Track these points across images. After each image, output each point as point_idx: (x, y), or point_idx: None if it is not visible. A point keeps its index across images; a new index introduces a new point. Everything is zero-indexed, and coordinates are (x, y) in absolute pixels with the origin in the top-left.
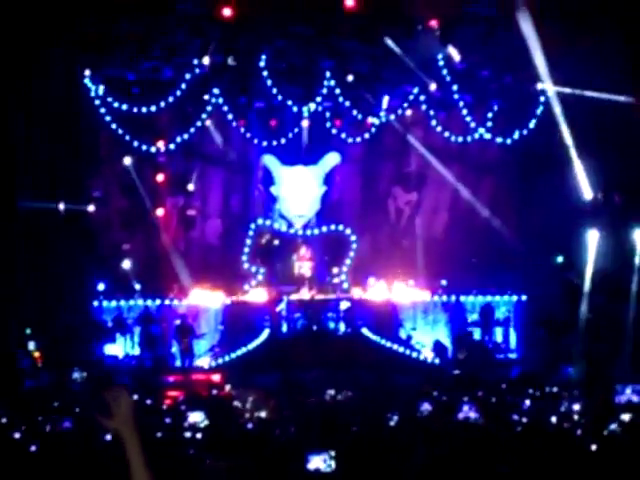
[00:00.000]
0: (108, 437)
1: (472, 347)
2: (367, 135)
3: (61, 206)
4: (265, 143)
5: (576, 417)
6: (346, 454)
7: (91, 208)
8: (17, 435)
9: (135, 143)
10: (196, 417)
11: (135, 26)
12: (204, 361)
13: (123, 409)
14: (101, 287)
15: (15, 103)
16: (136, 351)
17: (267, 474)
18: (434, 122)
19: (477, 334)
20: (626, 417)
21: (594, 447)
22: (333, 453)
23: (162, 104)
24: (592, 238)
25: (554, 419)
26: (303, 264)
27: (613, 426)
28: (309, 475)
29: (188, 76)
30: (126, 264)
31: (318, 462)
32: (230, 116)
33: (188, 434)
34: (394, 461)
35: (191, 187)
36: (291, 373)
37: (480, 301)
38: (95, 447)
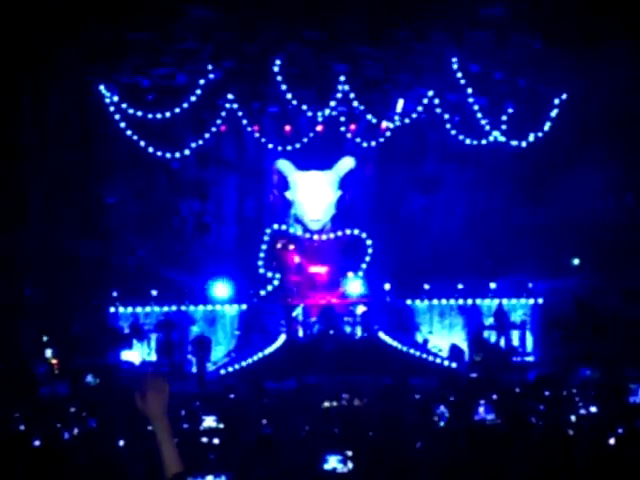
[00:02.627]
0: (121, 442)
1: (489, 350)
2: (382, 139)
3: None
4: (280, 148)
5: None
6: (363, 455)
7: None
8: (37, 442)
9: (150, 149)
10: (210, 422)
11: (147, 33)
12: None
13: (159, 397)
14: (116, 294)
15: (28, 112)
16: (153, 357)
17: (284, 476)
18: (448, 125)
19: (493, 337)
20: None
21: (612, 441)
22: (350, 453)
23: (176, 110)
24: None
25: (573, 418)
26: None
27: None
28: (325, 475)
29: (202, 82)
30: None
31: (335, 462)
32: (244, 121)
33: (205, 439)
34: (410, 463)
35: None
36: (307, 378)
37: (496, 304)
38: (110, 452)
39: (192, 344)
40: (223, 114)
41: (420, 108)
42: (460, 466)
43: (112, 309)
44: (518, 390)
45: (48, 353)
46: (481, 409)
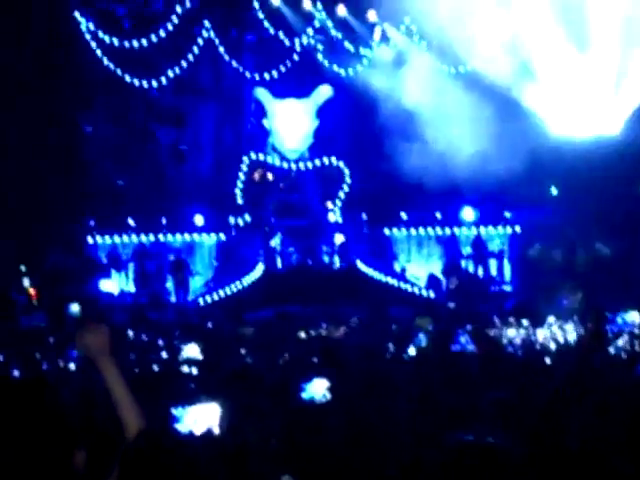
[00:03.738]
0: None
1: (463, 277)
2: (359, 67)
3: None
4: (257, 76)
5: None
6: (341, 385)
7: None
8: (16, 373)
9: (127, 77)
10: (190, 351)
11: None
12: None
13: (98, 338)
14: (93, 223)
15: (3, 39)
16: (131, 287)
17: (261, 405)
18: None
19: (471, 267)
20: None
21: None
22: (328, 383)
23: (153, 38)
24: None
25: (553, 346)
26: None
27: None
28: (303, 405)
29: (179, 9)
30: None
31: (312, 391)
32: (221, 49)
33: (185, 368)
34: (388, 392)
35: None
36: (286, 308)
37: (474, 234)
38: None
39: (170, 267)
40: (200, 42)
41: None
42: (438, 395)
43: (90, 239)
44: (496, 319)
45: (26, 283)
46: (462, 339)
